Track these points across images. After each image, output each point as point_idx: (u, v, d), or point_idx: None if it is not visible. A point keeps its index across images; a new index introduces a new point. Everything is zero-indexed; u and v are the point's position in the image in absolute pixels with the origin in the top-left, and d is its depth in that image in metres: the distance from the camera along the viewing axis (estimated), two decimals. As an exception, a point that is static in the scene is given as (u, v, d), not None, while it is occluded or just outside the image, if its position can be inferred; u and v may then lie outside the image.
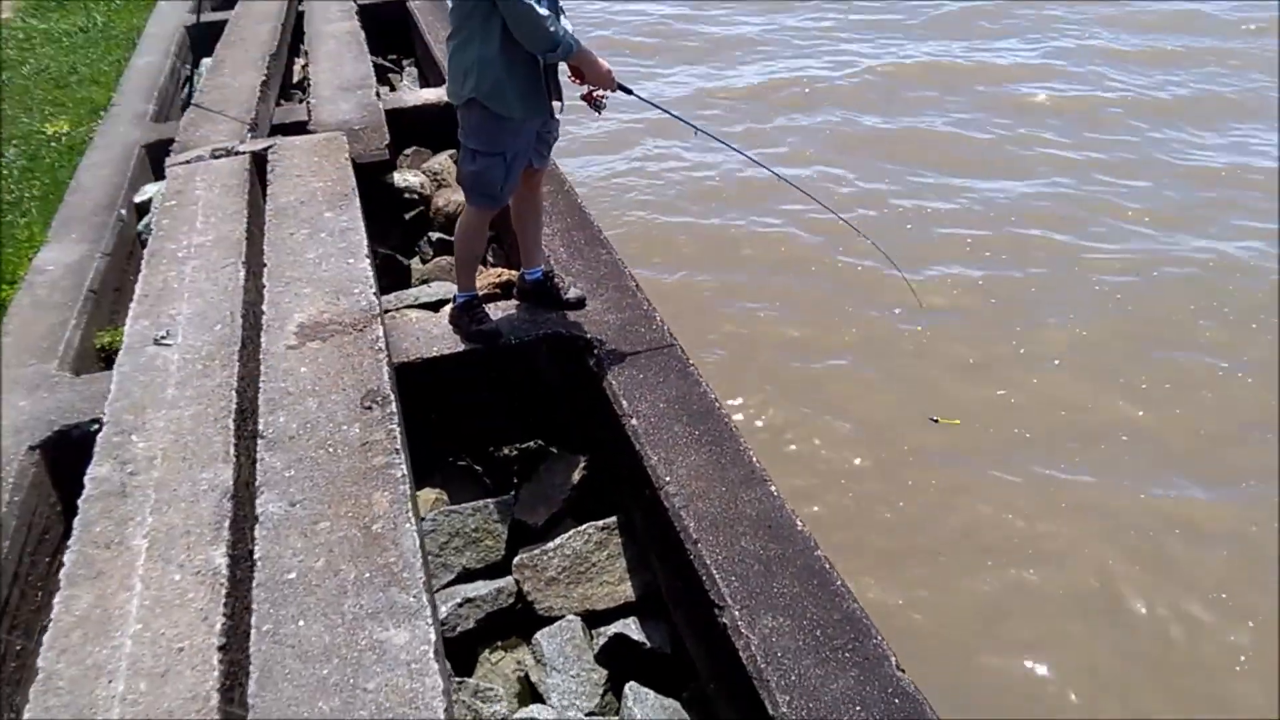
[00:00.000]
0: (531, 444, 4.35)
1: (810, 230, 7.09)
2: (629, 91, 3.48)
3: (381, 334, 3.19)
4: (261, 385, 3.00)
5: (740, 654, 2.54)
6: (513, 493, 3.92)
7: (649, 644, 3.25)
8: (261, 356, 3.15)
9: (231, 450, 2.69)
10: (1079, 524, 4.57)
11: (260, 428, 2.84)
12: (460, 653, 3.30)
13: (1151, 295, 6.26)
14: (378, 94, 5.92)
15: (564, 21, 3.39)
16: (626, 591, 3.41)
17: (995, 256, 6.75)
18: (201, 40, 8.03)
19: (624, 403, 3.46)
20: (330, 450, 2.72)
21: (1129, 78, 9.55)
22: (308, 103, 5.94)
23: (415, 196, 5.93)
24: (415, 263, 5.65)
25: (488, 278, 4.64)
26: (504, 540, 3.57)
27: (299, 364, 3.05)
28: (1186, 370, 5.55)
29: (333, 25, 7.36)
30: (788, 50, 10.87)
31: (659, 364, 3.67)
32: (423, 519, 3.56)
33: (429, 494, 3.80)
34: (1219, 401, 5.30)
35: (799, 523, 2.93)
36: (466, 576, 3.48)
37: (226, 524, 2.45)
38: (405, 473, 2.70)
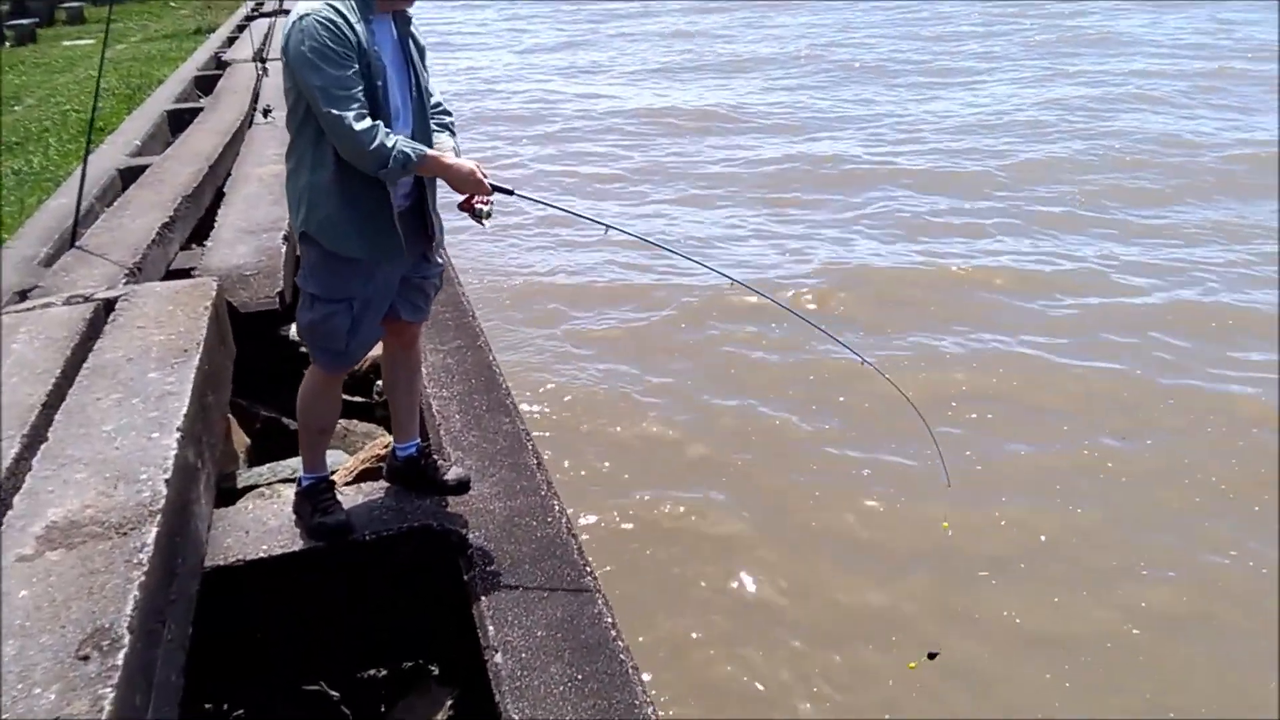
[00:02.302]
0: (406, 665, 3.46)
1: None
2: (509, 192, 2.78)
3: (153, 539, 2.36)
4: (-33, 614, 2.16)
5: None
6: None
7: None
8: (-15, 570, 2.31)
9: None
10: None
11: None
12: None
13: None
14: (286, 238, 5.28)
15: (432, 128, 2.75)
16: None
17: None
18: (131, 182, 7.53)
19: (490, 629, 2.61)
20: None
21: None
22: (205, 246, 5.30)
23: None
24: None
25: (374, 449, 3.86)
26: (327, 817, 2.63)
27: (21, 585, 2.21)
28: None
29: (263, 168, 6.84)
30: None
31: (548, 572, 2.83)
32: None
33: (242, 745, 2.89)
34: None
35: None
36: None
37: None
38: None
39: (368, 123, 2.48)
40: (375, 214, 2.65)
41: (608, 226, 2.94)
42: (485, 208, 2.74)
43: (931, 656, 3.96)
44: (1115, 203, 9.83)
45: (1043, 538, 4.90)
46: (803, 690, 4.03)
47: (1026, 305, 7.60)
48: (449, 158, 2.70)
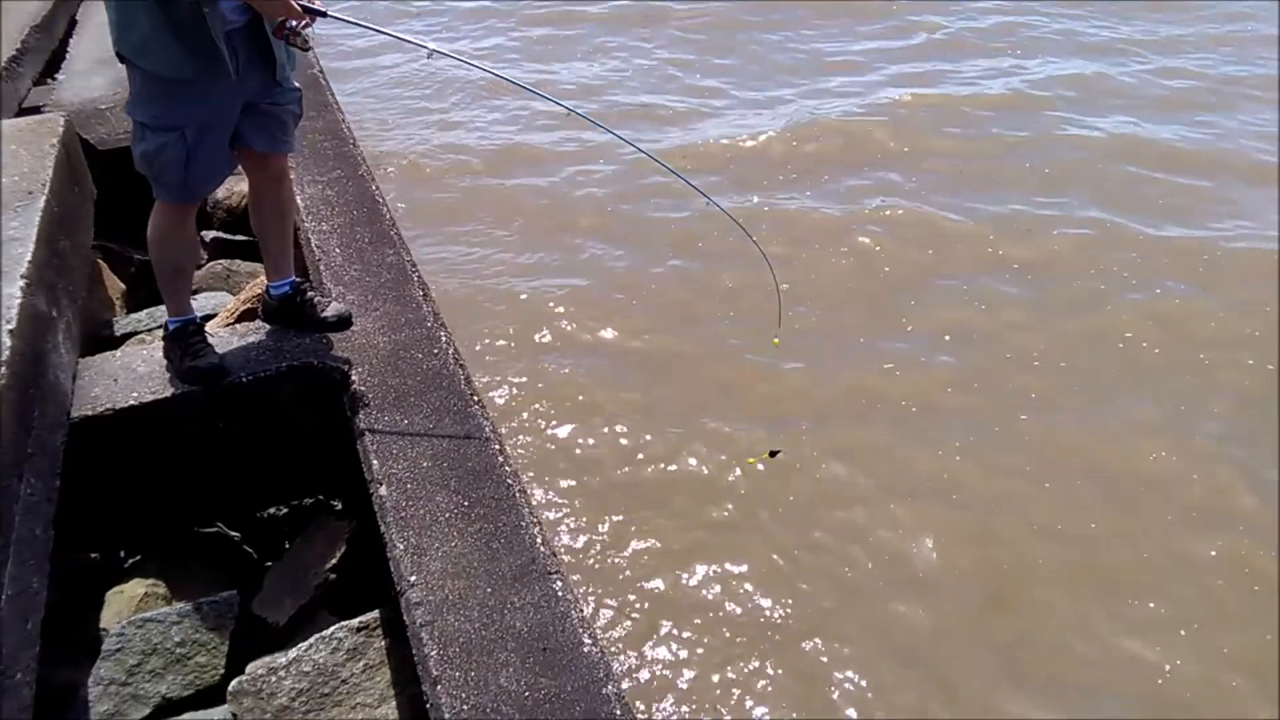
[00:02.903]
0: (307, 500, 3.45)
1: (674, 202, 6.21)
2: (322, 14, 2.50)
3: (-2, 392, 2.23)
4: None
5: None
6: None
7: (413, 794, 2.38)
8: None
9: None
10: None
11: None
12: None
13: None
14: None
15: None
16: (388, 715, 2.52)
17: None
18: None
19: (374, 463, 2.57)
20: None
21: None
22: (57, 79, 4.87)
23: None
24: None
25: (254, 289, 3.70)
26: (224, 653, 2.64)
27: None
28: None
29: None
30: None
31: (434, 403, 2.78)
32: (106, 633, 2.63)
33: (136, 588, 2.86)
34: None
35: (586, 639, 2.07)
36: (168, 710, 2.55)
37: None
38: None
39: None
40: (195, 30, 2.39)
41: (431, 51, 2.68)
42: (303, 31, 2.47)
43: (773, 454, 4.15)
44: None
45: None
46: (644, 459, 4.25)
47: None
48: None
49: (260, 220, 3.05)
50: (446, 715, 1.90)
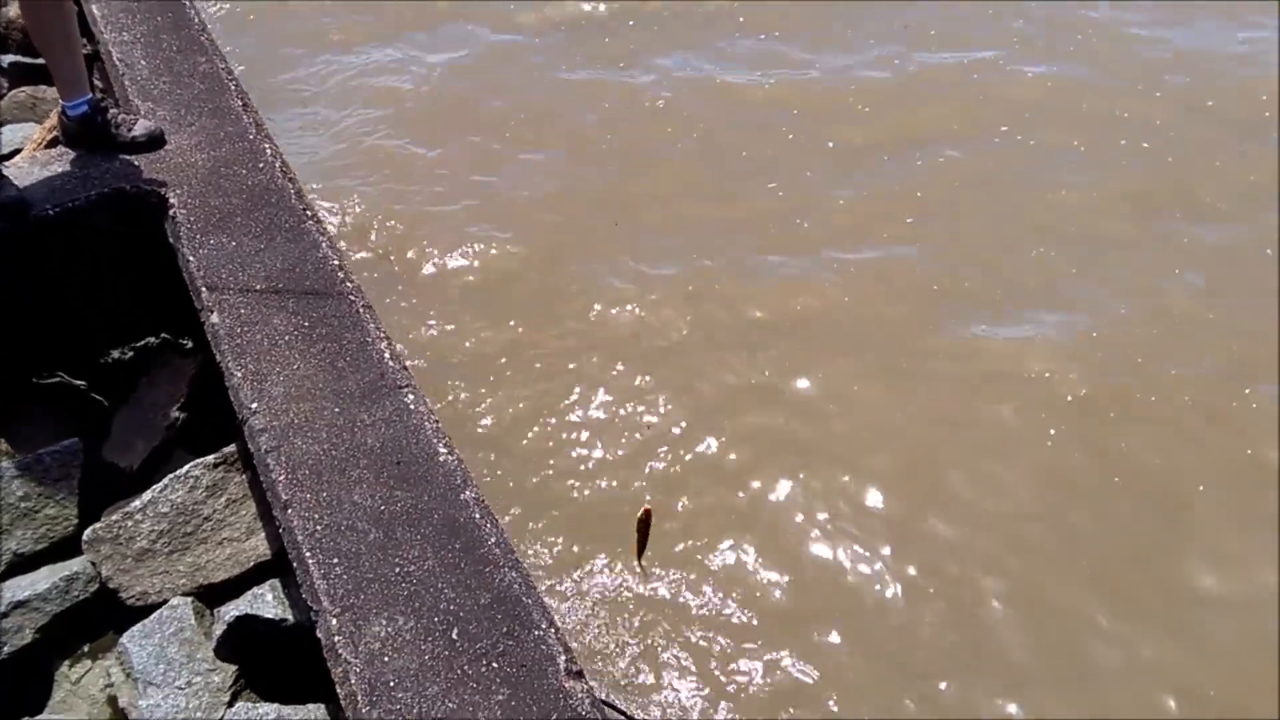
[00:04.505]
0: (151, 340, 3.23)
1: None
2: None
3: None
4: None
5: (338, 687, 1.66)
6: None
7: (291, 619, 2.35)
8: None
9: None
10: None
11: None
12: (26, 675, 2.33)
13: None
14: None
15: None
16: (258, 547, 2.46)
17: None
18: None
19: (203, 291, 2.38)
20: None
21: None
22: None
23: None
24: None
25: (58, 116, 3.32)
26: (75, 503, 2.52)
27: None
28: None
29: None
30: None
31: (263, 221, 2.57)
32: (-61, 496, 2.47)
33: (-32, 447, 2.68)
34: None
35: (442, 449, 2.01)
36: (21, 566, 2.44)
37: None
38: None
39: None
40: None
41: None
42: None
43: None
44: None
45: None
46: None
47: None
48: None
49: (39, 34, 2.69)
50: (299, 537, 1.84)
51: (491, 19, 6.07)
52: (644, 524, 2.30)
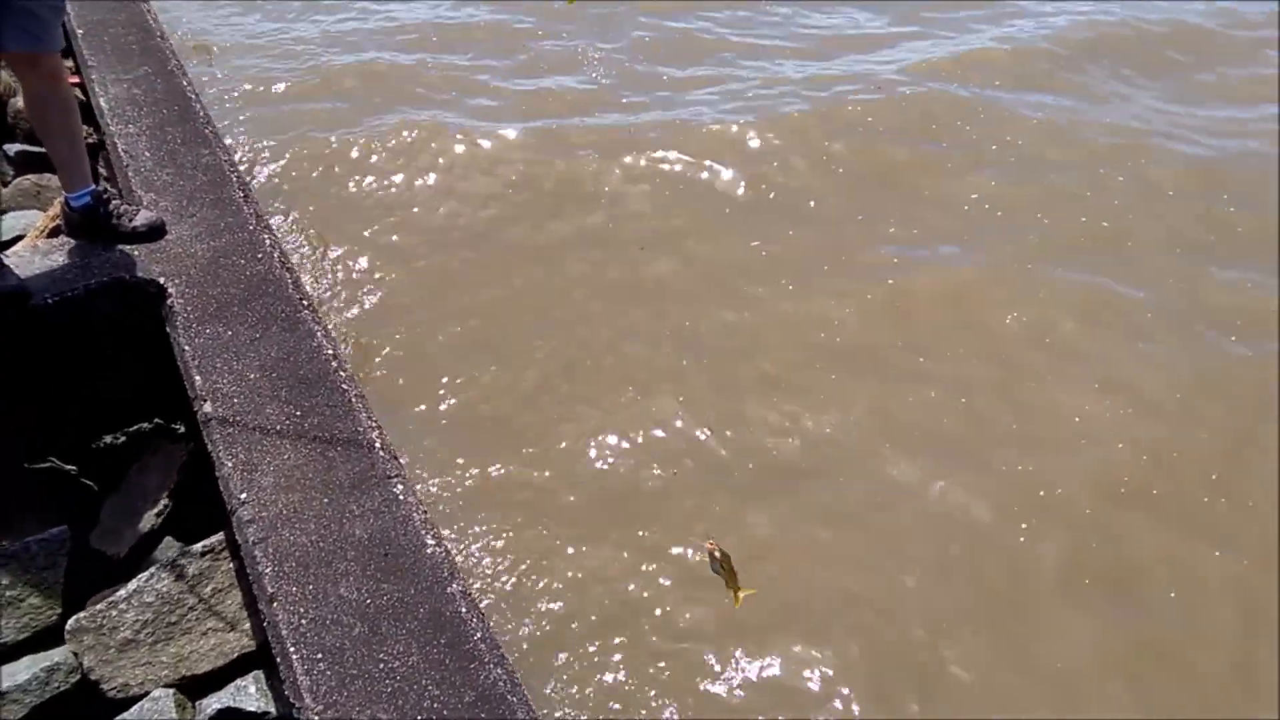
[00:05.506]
0: (144, 426, 3.25)
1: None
2: None
3: None
4: None
5: (319, 789, 1.64)
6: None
7: (274, 712, 2.31)
8: None
9: None
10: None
11: None
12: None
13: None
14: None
15: None
16: (242, 639, 2.44)
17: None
18: None
19: (197, 379, 2.41)
20: None
21: None
22: None
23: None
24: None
25: (61, 204, 3.39)
26: (59, 592, 2.50)
27: None
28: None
29: None
30: None
31: (260, 311, 2.61)
32: (-78, 586, 2.45)
33: (-44, 535, 2.67)
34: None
35: (429, 540, 2.01)
36: (2, 656, 2.41)
37: None
38: None
39: None
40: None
41: None
42: None
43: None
44: None
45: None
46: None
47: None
48: None
49: (43, 127, 2.77)
50: (284, 632, 1.83)
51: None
52: (714, 559, 2.18)
